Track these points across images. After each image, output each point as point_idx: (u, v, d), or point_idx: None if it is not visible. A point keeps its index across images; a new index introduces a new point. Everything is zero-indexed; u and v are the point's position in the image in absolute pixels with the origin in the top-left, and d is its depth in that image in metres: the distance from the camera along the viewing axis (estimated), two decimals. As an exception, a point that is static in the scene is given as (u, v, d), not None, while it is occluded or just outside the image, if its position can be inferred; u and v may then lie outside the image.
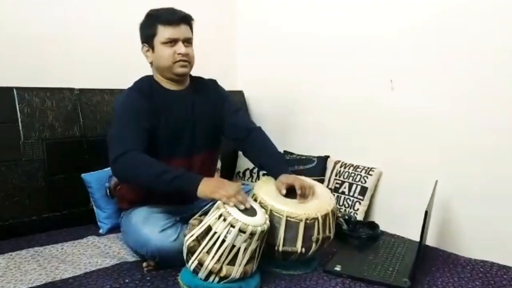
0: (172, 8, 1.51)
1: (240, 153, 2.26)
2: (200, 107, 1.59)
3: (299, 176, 1.45)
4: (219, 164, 1.99)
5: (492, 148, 1.55)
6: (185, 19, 1.52)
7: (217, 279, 1.20)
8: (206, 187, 1.29)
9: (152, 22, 1.49)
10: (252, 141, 1.61)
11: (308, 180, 1.47)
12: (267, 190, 1.41)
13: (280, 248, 1.32)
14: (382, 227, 1.74)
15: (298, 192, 1.37)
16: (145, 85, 1.52)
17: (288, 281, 1.32)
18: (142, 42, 1.54)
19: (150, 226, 1.37)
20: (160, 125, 1.48)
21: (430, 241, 1.65)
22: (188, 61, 1.51)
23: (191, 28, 1.55)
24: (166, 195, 1.37)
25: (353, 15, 1.96)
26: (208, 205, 1.31)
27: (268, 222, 1.26)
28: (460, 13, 1.60)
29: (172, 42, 1.48)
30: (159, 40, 1.48)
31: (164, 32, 1.47)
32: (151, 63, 1.55)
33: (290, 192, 1.40)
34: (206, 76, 1.70)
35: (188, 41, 1.52)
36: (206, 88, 1.65)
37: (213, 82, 1.70)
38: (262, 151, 1.59)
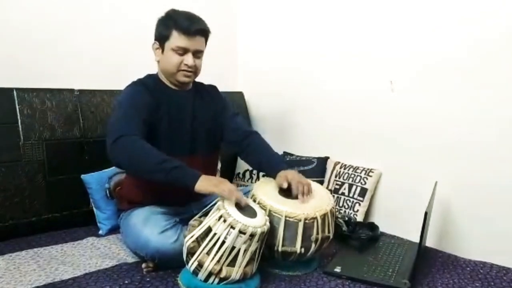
0: (192, 17, 1.48)
1: (240, 154, 2.26)
2: (200, 110, 1.60)
3: (299, 174, 1.46)
4: (218, 165, 1.99)
5: (492, 150, 1.55)
6: (202, 33, 1.50)
7: (217, 280, 1.20)
8: (206, 182, 1.27)
9: (169, 24, 1.46)
10: (250, 143, 1.62)
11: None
12: (266, 190, 1.42)
13: (280, 248, 1.32)
14: (382, 228, 1.74)
15: (294, 191, 1.37)
16: (150, 81, 1.53)
17: (288, 282, 1.32)
18: (155, 39, 1.52)
19: (150, 227, 1.37)
20: (160, 122, 1.49)
21: (430, 242, 1.65)
22: (193, 71, 1.51)
23: (206, 40, 1.53)
24: (166, 195, 1.37)
25: (353, 17, 1.96)
26: (208, 206, 1.31)
27: (268, 223, 1.26)
28: (460, 14, 1.60)
29: (182, 51, 1.47)
30: (170, 46, 1.46)
31: (176, 40, 1.45)
32: (157, 61, 1.55)
33: (289, 193, 1.41)
34: (206, 76, 1.70)
35: (198, 53, 1.50)
36: (207, 93, 1.66)
37: (213, 88, 1.72)
38: (260, 152, 1.60)
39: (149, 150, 1.31)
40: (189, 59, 1.47)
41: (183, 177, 1.29)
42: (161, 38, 1.49)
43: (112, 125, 1.37)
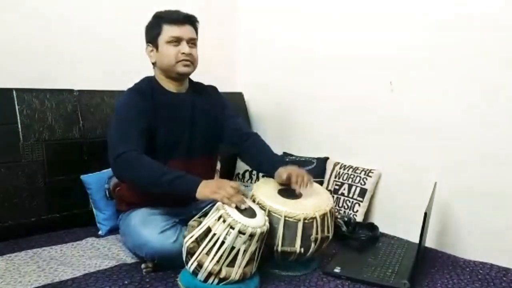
0: (177, 10, 1.53)
1: (239, 154, 2.26)
2: (200, 110, 1.59)
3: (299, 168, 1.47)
4: (218, 166, 1.99)
5: (492, 150, 1.56)
6: (190, 20, 1.53)
7: (216, 280, 1.20)
8: (206, 188, 1.29)
9: (158, 22, 1.51)
10: (251, 144, 1.63)
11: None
12: (265, 191, 1.42)
13: (279, 248, 1.32)
14: (382, 229, 1.74)
15: (293, 183, 1.39)
16: (146, 85, 1.53)
17: (288, 282, 1.32)
18: (147, 42, 1.55)
19: (149, 228, 1.37)
20: (159, 126, 1.49)
21: (429, 242, 1.65)
22: (191, 61, 1.52)
23: (196, 30, 1.57)
24: (165, 196, 1.37)
25: (353, 17, 1.96)
26: (208, 207, 1.31)
27: (267, 223, 1.26)
28: (460, 15, 1.61)
29: (176, 41, 1.49)
30: (164, 39, 1.49)
31: (168, 31, 1.49)
32: (154, 63, 1.56)
33: (288, 192, 1.41)
34: (206, 77, 1.70)
35: (192, 42, 1.53)
36: (206, 93, 1.66)
37: (213, 89, 1.72)
38: (261, 153, 1.61)
39: (149, 165, 1.34)
40: (185, 47, 1.50)
41: (183, 187, 1.31)
42: (153, 37, 1.52)
43: (111, 140, 1.40)
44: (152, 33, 1.52)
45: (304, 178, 1.41)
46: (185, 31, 1.51)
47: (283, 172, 1.44)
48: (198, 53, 1.57)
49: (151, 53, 1.54)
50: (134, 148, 1.35)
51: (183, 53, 1.49)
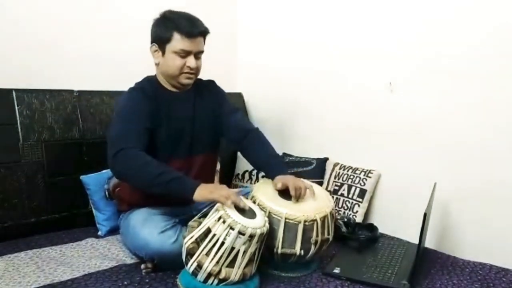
0: (191, 18, 1.48)
1: (239, 155, 2.26)
2: (200, 109, 1.59)
3: (296, 178, 1.45)
4: (218, 166, 1.99)
5: (491, 150, 1.56)
6: (203, 34, 1.49)
7: (216, 281, 1.20)
8: (203, 190, 1.29)
9: (169, 26, 1.45)
10: (249, 142, 1.61)
11: (306, 182, 1.48)
12: (265, 192, 1.42)
13: (279, 250, 1.32)
14: (381, 229, 1.74)
15: (292, 193, 1.38)
16: (148, 85, 1.52)
17: (287, 283, 1.32)
18: (153, 42, 1.50)
19: (149, 228, 1.37)
20: (161, 126, 1.49)
21: (429, 243, 1.65)
22: (195, 73, 1.52)
23: (205, 39, 1.53)
24: (165, 196, 1.37)
25: (353, 17, 1.97)
26: (208, 207, 1.31)
27: (267, 224, 1.26)
28: (459, 15, 1.61)
29: (185, 54, 1.46)
30: (172, 49, 1.45)
31: (179, 43, 1.44)
32: (157, 63, 1.53)
33: (289, 193, 1.40)
34: (205, 77, 1.70)
35: (199, 54, 1.50)
36: (206, 89, 1.65)
37: (211, 83, 1.71)
38: (259, 152, 1.60)
39: (147, 163, 1.33)
40: (191, 61, 1.47)
41: (180, 188, 1.31)
42: (161, 40, 1.47)
43: (111, 137, 1.38)
44: (161, 36, 1.47)
45: (302, 191, 1.39)
46: (195, 45, 1.46)
47: (278, 183, 1.41)
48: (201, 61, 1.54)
49: (155, 53, 1.51)
50: (133, 146, 1.34)
51: (189, 66, 1.47)
